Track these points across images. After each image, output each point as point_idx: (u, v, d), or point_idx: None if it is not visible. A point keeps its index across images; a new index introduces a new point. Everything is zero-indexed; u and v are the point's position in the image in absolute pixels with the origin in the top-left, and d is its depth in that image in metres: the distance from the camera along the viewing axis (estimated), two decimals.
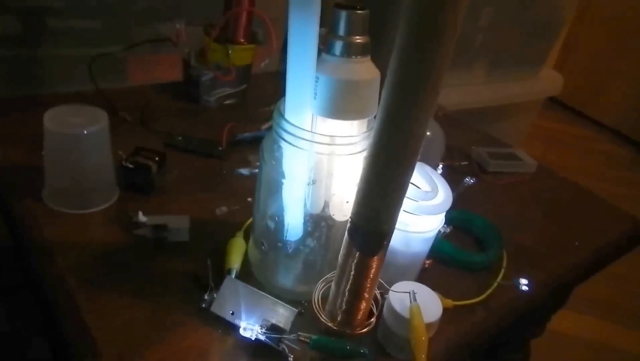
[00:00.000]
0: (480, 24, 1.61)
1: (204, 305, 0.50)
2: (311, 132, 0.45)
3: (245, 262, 0.57)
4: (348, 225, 0.44)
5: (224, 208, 0.65)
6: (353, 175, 0.46)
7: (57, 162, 0.59)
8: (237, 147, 0.80)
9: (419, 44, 0.35)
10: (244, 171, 0.74)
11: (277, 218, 0.50)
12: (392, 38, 0.36)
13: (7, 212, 0.62)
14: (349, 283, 0.47)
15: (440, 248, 0.62)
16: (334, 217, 0.50)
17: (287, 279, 0.53)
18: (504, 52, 1.76)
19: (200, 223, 0.62)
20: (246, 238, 0.58)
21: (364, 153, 0.42)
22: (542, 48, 1.91)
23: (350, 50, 0.43)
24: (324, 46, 0.44)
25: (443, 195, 0.51)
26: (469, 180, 0.69)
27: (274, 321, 0.48)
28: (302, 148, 0.46)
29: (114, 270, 0.54)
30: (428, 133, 0.76)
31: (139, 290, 0.52)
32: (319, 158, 0.46)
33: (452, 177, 0.72)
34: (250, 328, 0.48)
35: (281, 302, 0.50)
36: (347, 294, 0.47)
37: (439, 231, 0.58)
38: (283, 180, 0.48)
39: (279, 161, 0.47)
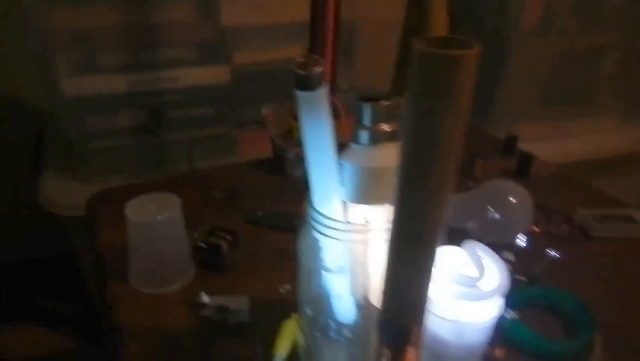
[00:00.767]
0: (604, 72, 1.48)
1: None
2: (340, 221, 0.45)
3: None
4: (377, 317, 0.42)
5: (288, 286, 0.65)
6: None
7: (137, 247, 0.65)
8: None
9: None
10: None
11: (315, 307, 0.49)
12: None
13: (102, 293, 0.69)
14: None
15: (512, 333, 0.55)
16: (373, 303, 0.47)
17: None
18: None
19: (263, 303, 0.63)
20: None
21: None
22: None
23: (377, 138, 0.43)
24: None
25: (497, 278, 0.46)
26: (552, 253, 0.61)
27: None
28: (334, 238, 0.45)
29: (178, 356, 0.57)
30: (511, 198, 0.70)
31: None
32: (353, 246, 0.45)
33: (550, 246, 0.64)
34: None
35: None
36: None
37: (505, 317, 0.52)
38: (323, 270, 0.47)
39: (312, 252, 0.47)
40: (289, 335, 0.55)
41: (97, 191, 0.91)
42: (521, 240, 0.66)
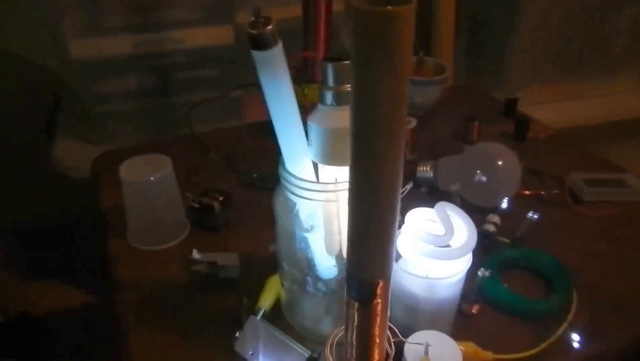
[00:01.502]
0: (620, 27, 1.42)
1: (234, 344, 0.53)
2: (312, 181, 0.46)
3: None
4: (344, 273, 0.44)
5: (275, 246, 0.67)
6: None
7: (132, 206, 0.68)
8: None
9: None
10: None
11: (292, 263, 0.51)
12: None
13: (105, 250, 0.73)
14: (354, 333, 0.45)
15: (492, 292, 0.56)
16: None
17: (309, 321, 0.54)
18: None
19: (253, 260, 0.65)
20: None
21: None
22: None
23: (341, 99, 0.43)
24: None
25: (465, 237, 0.47)
26: (532, 216, 0.61)
27: None
28: (307, 198, 0.46)
29: (168, 307, 0.60)
30: (499, 162, 0.70)
31: (186, 328, 0.57)
32: (324, 204, 0.47)
33: (534, 209, 0.65)
34: None
35: (297, 346, 0.50)
36: (355, 343, 0.46)
37: (478, 275, 0.53)
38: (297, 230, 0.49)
39: (285, 211, 0.49)
40: (272, 289, 0.58)
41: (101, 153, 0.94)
42: (503, 202, 0.67)
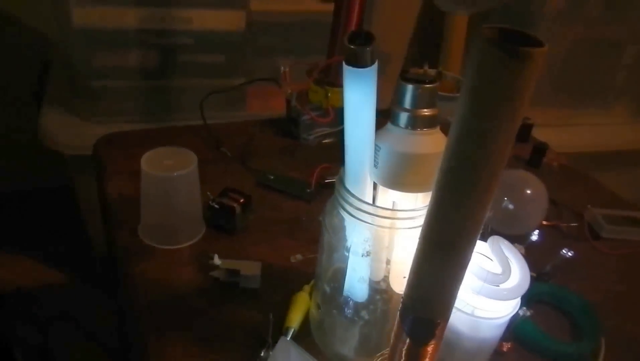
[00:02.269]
0: (623, 62, 1.45)
1: None
2: (372, 205, 0.44)
3: (308, 319, 0.56)
4: (399, 305, 0.42)
5: (299, 256, 0.65)
6: (412, 249, 0.43)
7: (150, 201, 0.64)
8: (327, 189, 0.80)
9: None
10: None
11: (332, 284, 0.49)
12: None
13: (111, 243, 0.69)
14: None
15: (522, 331, 0.55)
16: (393, 288, 0.47)
17: (342, 347, 0.52)
18: None
19: (274, 270, 0.63)
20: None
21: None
22: None
23: (416, 122, 0.41)
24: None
25: (518, 278, 0.46)
26: (567, 253, 0.61)
27: None
28: (362, 220, 0.44)
29: (183, 313, 0.57)
30: (528, 191, 0.69)
31: (203, 339, 0.54)
32: (378, 229, 0.45)
33: (556, 241, 0.64)
34: None
35: None
36: None
37: (517, 314, 0.52)
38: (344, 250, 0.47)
39: (336, 228, 0.46)
40: (300, 307, 0.55)
41: (104, 133, 0.89)
42: (534, 234, 0.66)
